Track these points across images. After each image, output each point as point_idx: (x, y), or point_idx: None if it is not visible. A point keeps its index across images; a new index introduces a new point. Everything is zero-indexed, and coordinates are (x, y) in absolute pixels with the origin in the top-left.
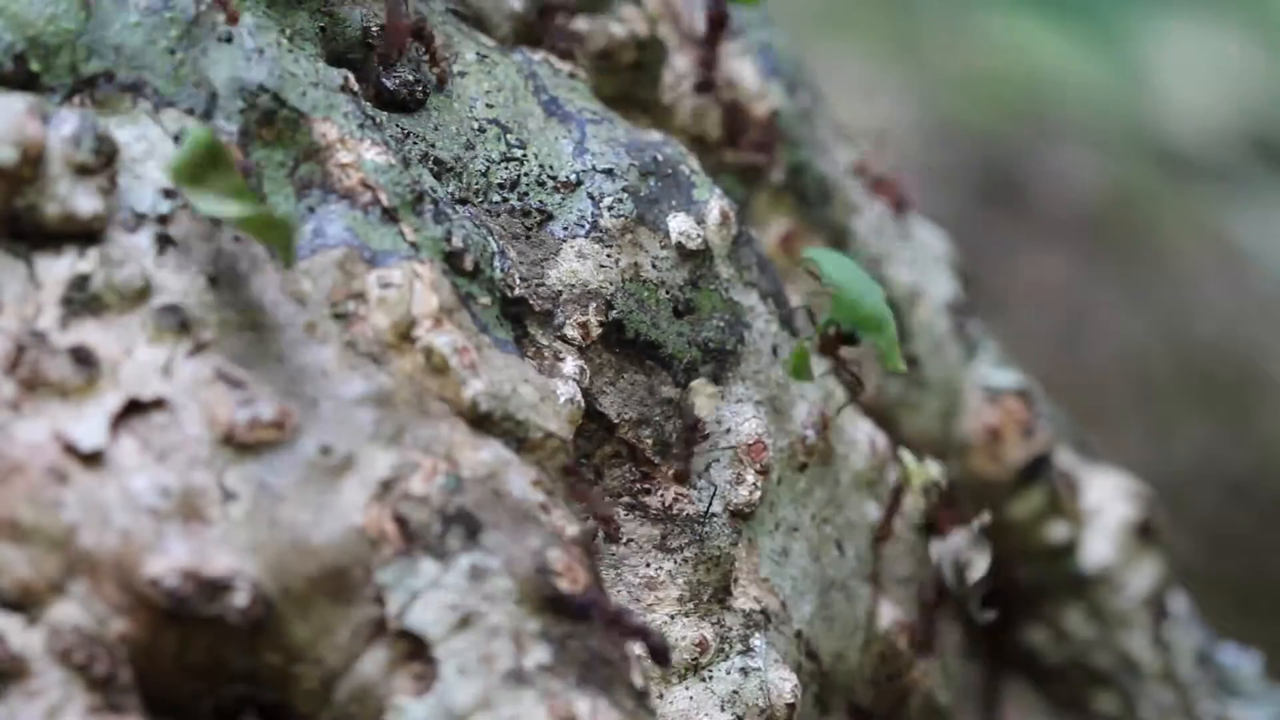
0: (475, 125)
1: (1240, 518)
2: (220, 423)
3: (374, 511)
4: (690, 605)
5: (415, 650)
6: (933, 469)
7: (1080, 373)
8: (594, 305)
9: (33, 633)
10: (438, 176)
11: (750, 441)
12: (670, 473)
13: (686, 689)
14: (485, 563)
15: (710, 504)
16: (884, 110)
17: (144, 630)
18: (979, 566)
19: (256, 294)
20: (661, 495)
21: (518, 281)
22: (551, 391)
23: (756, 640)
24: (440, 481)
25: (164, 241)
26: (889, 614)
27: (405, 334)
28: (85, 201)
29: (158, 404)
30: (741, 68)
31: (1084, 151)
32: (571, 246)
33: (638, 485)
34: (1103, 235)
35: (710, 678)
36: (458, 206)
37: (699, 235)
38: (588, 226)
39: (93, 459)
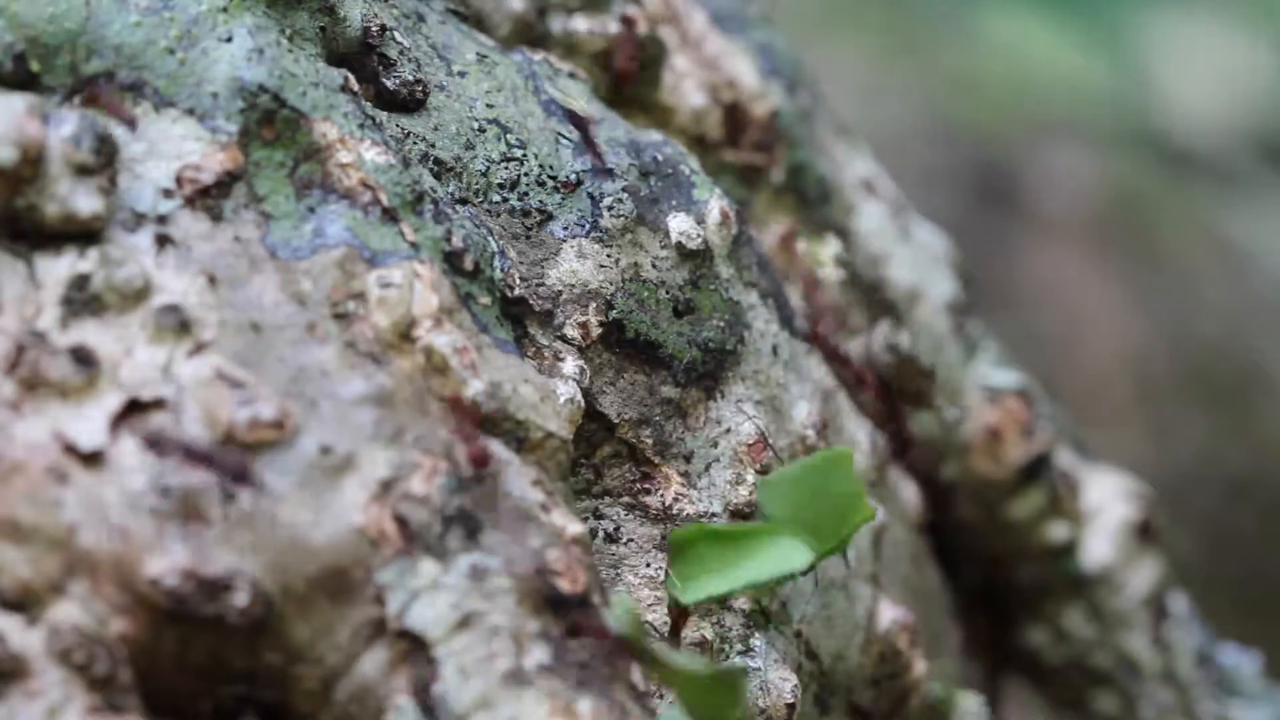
0: (475, 125)
1: (1240, 518)
2: (220, 422)
3: (374, 511)
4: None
5: (415, 650)
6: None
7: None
8: (594, 305)
9: (33, 633)
10: (438, 176)
11: (750, 441)
12: (671, 472)
13: None
14: (485, 563)
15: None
16: (884, 110)
17: (144, 630)
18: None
19: (256, 294)
20: (661, 495)
21: (518, 281)
22: (551, 391)
23: (756, 640)
24: (440, 481)
25: (164, 241)
26: (889, 614)
27: (405, 334)
28: (85, 201)
29: (158, 404)
30: (741, 68)
31: (1084, 151)
32: (571, 246)
33: (638, 485)
34: (1103, 235)
35: None
36: (458, 206)
37: (699, 235)
38: (588, 226)
39: (93, 459)
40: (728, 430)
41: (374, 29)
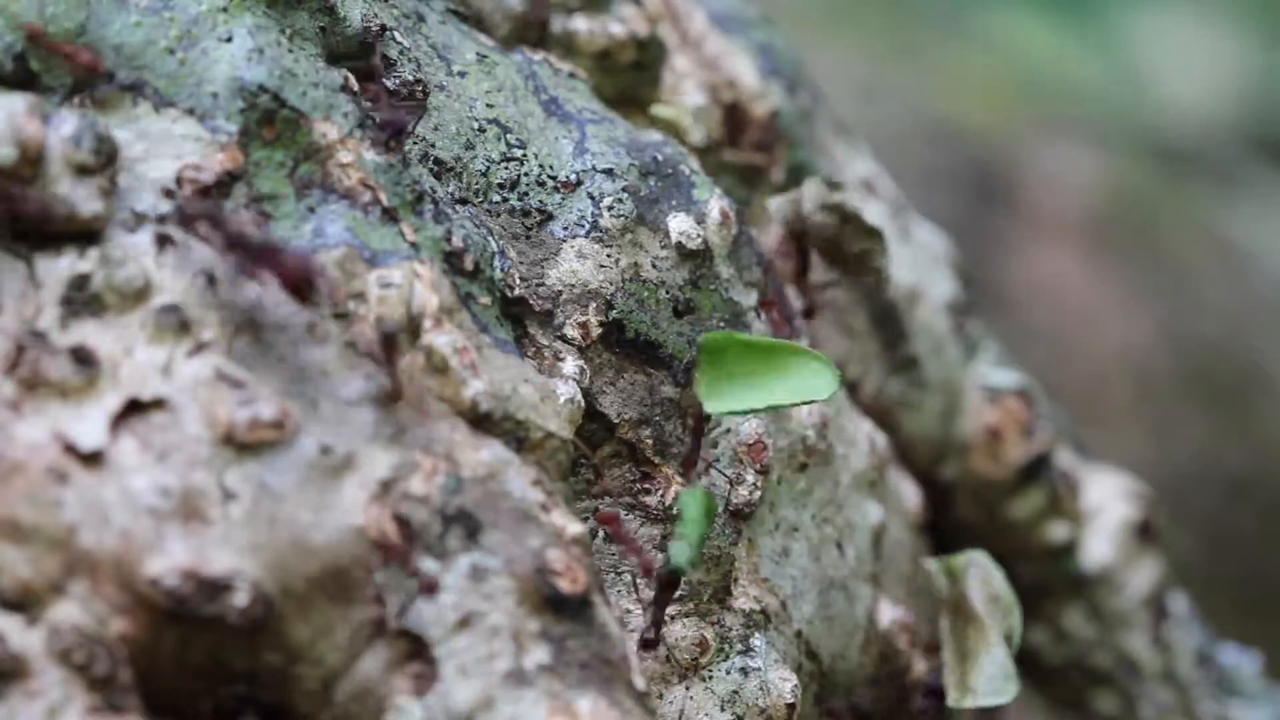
0: (475, 125)
1: (1240, 518)
2: (220, 422)
3: (374, 511)
4: (690, 605)
5: (415, 650)
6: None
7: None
8: (594, 305)
9: (33, 633)
10: (438, 176)
11: (750, 441)
12: (672, 471)
13: (686, 689)
14: (485, 563)
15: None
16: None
17: (144, 630)
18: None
19: (256, 294)
20: (661, 495)
21: (518, 281)
22: (551, 391)
23: (756, 640)
24: (440, 481)
25: (164, 241)
26: (889, 614)
27: (405, 334)
28: (85, 201)
29: (158, 404)
30: (741, 68)
31: (1083, 151)
32: (571, 246)
33: (638, 485)
34: (1102, 235)
35: (710, 678)
36: (458, 206)
37: (699, 235)
38: (588, 226)
39: (93, 459)
40: (728, 430)
41: (374, 28)
